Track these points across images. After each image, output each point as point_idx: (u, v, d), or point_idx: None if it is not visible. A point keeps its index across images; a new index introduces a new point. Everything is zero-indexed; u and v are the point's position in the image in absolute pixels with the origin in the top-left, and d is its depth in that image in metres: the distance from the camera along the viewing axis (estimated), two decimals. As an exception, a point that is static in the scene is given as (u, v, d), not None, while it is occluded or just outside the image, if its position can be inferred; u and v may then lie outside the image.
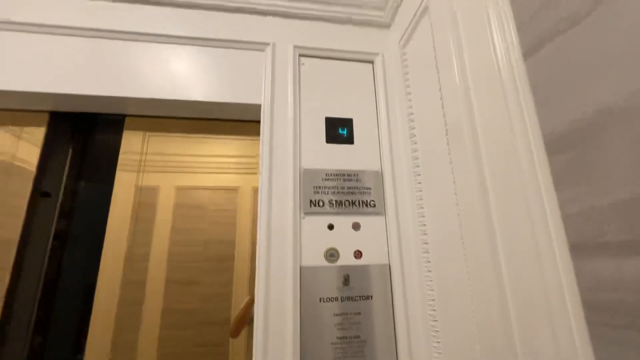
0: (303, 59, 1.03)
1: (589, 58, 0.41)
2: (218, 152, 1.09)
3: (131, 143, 1.05)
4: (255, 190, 1.05)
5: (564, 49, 0.44)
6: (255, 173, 1.06)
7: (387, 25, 1.10)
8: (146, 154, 1.05)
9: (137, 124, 1.06)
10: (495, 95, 0.57)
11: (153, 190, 1.02)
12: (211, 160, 1.08)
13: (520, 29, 0.53)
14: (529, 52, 0.51)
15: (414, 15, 0.89)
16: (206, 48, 1.00)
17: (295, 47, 1.02)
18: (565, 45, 0.44)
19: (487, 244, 0.58)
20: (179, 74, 0.96)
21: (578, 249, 0.42)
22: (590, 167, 0.40)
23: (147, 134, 1.07)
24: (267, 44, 1.01)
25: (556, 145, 0.45)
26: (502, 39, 0.56)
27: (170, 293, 0.95)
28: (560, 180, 0.44)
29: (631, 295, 0.35)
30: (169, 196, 1.03)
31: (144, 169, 1.03)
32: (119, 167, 1.02)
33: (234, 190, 1.06)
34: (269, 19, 1.05)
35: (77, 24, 0.95)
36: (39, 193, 0.96)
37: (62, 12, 0.95)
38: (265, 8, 1.04)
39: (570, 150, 0.43)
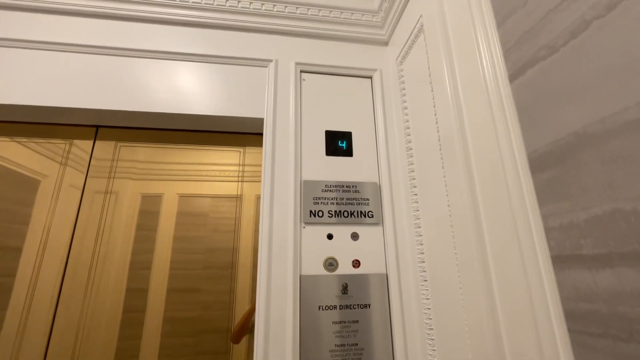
0: (304, 75, 1.08)
1: (565, 84, 0.44)
2: (221, 160, 1.12)
3: (136, 153, 1.09)
4: (259, 198, 1.08)
5: (544, 75, 0.48)
6: (258, 181, 1.09)
7: (384, 43, 1.15)
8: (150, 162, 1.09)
9: (145, 135, 1.10)
10: (483, 113, 0.61)
11: (156, 198, 1.05)
12: (214, 169, 1.11)
13: (506, 53, 0.56)
14: (514, 75, 0.54)
15: (410, 34, 0.93)
16: (212, 64, 1.04)
17: (297, 63, 1.07)
18: (544, 71, 0.48)
19: (478, 254, 0.60)
20: (186, 89, 1.01)
21: (559, 261, 0.44)
22: (568, 185, 0.43)
23: (151, 145, 1.10)
24: (270, 60, 1.06)
25: (538, 164, 0.48)
26: (490, 61, 0.60)
27: (171, 301, 0.96)
28: (543, 196, 0.47)
29: (605, 305, 0.37)
30: (172, 204, 1.05)
31: (149, 177, 1.07)
32: (125, 175, 1.06)
33: (236, 198, 1.09)
34: (272, 36, 1.10)
35: (90, 42, 1.00)
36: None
37: (72, 31, 1.01)
38: (268, 26, 1.09)
39: (551, 168, 0.46)
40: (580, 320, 0.41)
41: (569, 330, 0.43)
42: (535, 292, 0.48)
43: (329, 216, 0.93)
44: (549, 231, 0.46)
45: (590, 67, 0.41)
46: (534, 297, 0.48)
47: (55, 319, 0.91)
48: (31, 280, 0.93)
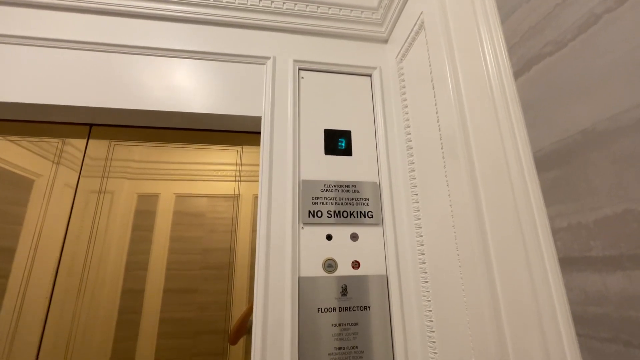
0: (303, 73, 1.06)
1: (573, 80, 0.43)
2: (218, 159, 1.11)
3: (131, 153, 1.07)
4: (256, 198, 1.07)
5: (550, 71, 0.46)
6: (256, 180, 1.08)
7: (384, 41, 1.13)
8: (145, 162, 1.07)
9: (141, 134, 1.08)
10: (487, 111, 0.59)
11: (153, 198, 1.03)
12: (211, 168, 1.09)
13: (511, 49, 0.55)
14: (519, 72, 0.53)
15: (411, 32, 0.92)
16: (209, 62, 1.02)
17: (295, 61, 1.05)
18: (551, 67, 0.46)
19: (481, 255, 0.59)
20: (182, 87, 0.99)
21: (567, 263, 0.43)
22: (576, 184, 0.41)
23: (146, 143, 1.09)
24: (268, 57, 1.04)
25: (545, 163, 0.47)
26: (494, 58, 0.58)
27: (168, 302, 0.95)
28: (550, 196, 0.46)
29: (615, 309, 0.36)
30: (169, 203, 1.04)
31: (145, 177, 1.05)
32: (121, 175, 1.04)
33: (233, 197, 1.07)
34: (270, 33, 1.08)
35: (84, 39, 0.98)
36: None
37: (64, 27, 0.98)
38: (266, 23, 1.07)
39: (558, 168, 0.44)
40: (589, 325, 0.40)
41: (577, 334, 0.41)
42: (542, 294, 0.46)
43: (328, 216, 0.91)
44: (556, 232, 0.45)
45: (600, 63, 0.39)
46: (540, 300, 0.47)
47: (48, 320, 0.89)
48: (23, 280, 0.91)
